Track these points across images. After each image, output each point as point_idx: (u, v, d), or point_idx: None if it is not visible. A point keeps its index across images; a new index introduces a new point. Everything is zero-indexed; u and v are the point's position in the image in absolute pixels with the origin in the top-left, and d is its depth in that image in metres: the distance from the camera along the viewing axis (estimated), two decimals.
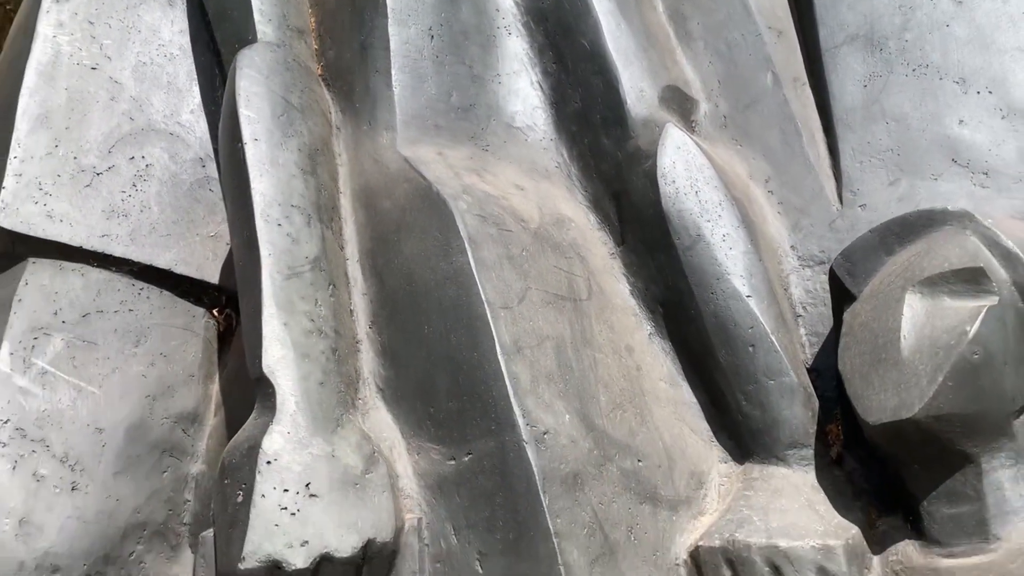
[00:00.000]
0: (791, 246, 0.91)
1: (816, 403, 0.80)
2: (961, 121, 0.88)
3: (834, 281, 0.82)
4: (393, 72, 0.97)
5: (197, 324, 0.99)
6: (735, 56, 1.03)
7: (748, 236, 0.85)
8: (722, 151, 0.98)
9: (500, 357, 0.71)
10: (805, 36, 1.01)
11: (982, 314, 0.67)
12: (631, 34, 1.00)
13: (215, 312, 1.01)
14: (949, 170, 0.87)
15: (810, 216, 0.92)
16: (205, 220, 1.02)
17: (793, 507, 0.74)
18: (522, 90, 1.03)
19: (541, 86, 1.03)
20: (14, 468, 0.84)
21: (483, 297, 0.75)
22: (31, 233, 0.95)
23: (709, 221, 0.85)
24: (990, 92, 0.88)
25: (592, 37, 0.99)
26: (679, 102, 0.98)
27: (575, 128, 0.99)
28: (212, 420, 0.96)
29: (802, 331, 0.87)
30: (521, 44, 1.05)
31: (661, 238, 0.87)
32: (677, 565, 0.73)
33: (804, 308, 0.88)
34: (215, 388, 0.98)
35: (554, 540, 0.65)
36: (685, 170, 0.88)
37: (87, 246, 0.96)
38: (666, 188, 0.87)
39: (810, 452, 0.78)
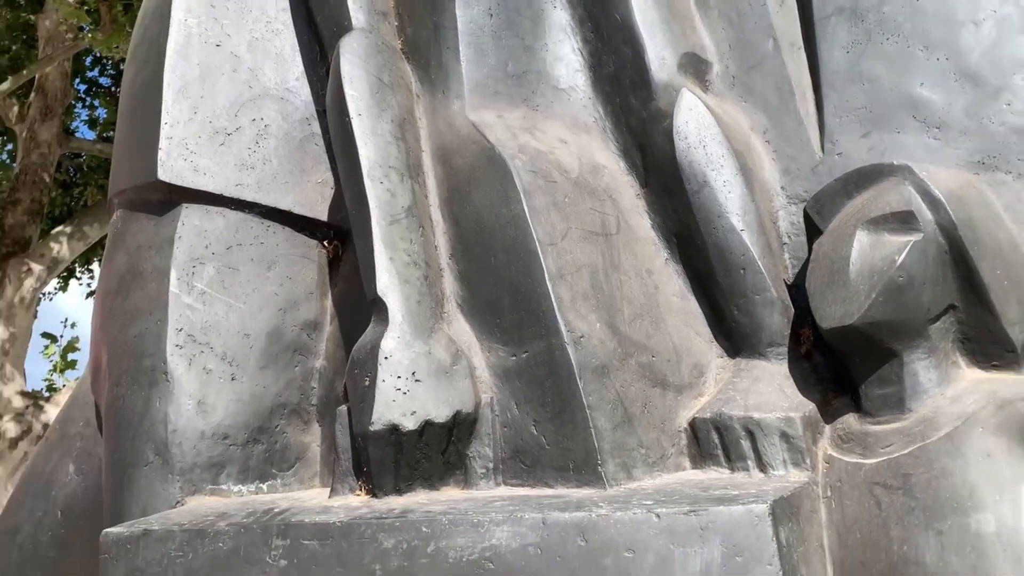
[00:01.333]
0: (781, 187, 1.13)
1: (791, 313, 1.03)
2: (922, 83, 1.07)
3: (807, 218, 1.04)
4: (461, 48, 1.20)
5: (312, 253, 1.26)
6: (743, 23, 1.23)
7: (744, 181, 1.08)
8: (729, 106, 1.19)
9: (548, 282, 0.96)
10: (802, 7, 1.20)
11: (908, 247, 0.90)
12: (656, 8, 1.20)
13: (325, 243, 1.28)
14: (909, 125, 1.07)
15: (797, 162, 1.13)
16: (314, 169, 1.28)
17: (767, 390, 0.98)
18: (565, 56, 1.25)
19: (581, 52, 1.25)
20: (190, 364, 1.13)
21: (535, 236, 0.99)
22: (183, 184, 1.22)
23: (713, 170, 1.08)
24: (947, 59, 1.06)
25: (623, 11, 1.19)
26: (695, 66, 1.19)
27: (609, 89, 1.21)
28: (328, 327, 1.24)
29: (786, 256, 1.10)
30: (564, 16, 1.26)
31: (676, 184, 1.10)
32: (679, 432, 0.99)
33: (789, 237, 1.11)
34: (329, 302, 1.25)
35: (587, 411, 0.92)
36: (696, 128, 1.09)
37: (226, 193, 1.23)
38: (680, 143, 1.09)
39: (784, 350, 1.02)
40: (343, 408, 0.99)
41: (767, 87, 1.18)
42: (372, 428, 0.91)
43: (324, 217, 1.26)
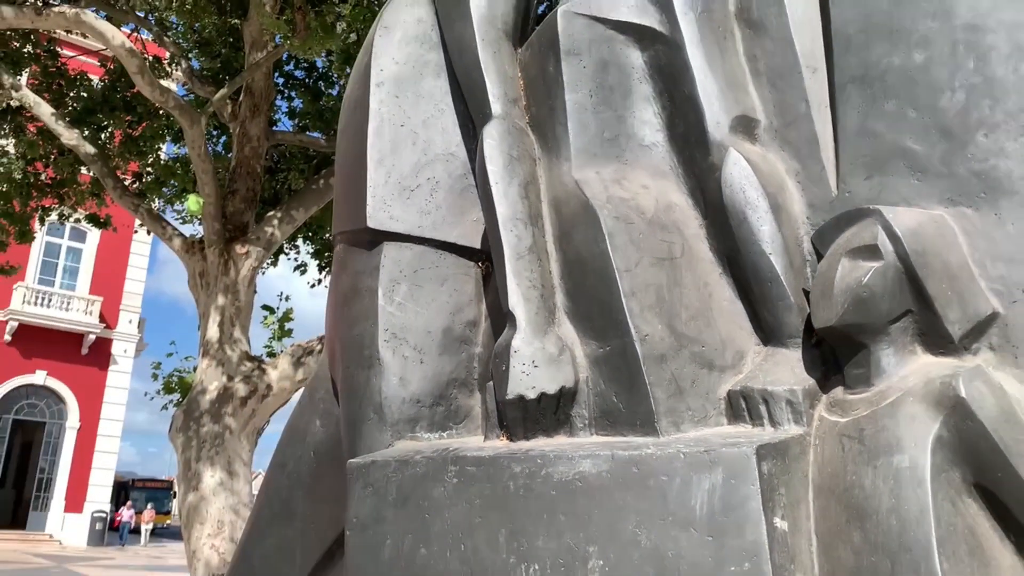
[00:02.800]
0: (807, 217, 1.50)
1: (806, 314, 1.42)
2: (910, 138, 1.41)
3: (813, 246, 1.43)
4: (568, 124, 1.65)
5: (472, 271, 1.77)
6: (784, 88, 1.59)
7: (773, 217, 1.46)
8: (771, 154, 1.57)
9: (623, 299, 1.41)
10: (828, 76, 1.56)
11: (871, 271, 1.27)
12: (715, 80, 1.59)
13: (480, 264, 1.78)
14: (900, 170, 1.41)
15: (819, 198, 1.50)
16: (470, 211, 1.78)
17: (782, 370, 1.39)
18: (648, 120, 1.67)
19: (660, 116, 1.66)
20: (393, 353, 1.68)
21: (614, 266, 1.44)
22: (383, 229, 1.76)
23: (750, 209, 1.47)
24: (929, 118, 1.40)
25: (690, 86, 1.59)
26: (745, 125, 1.57)
27: (680, 145, 1.62)
28: (483, 324, 1.75)
29: (809, 271, 1.48)
30: (647, 88, 1.67)
31: (724, 219, 1.50)
32: (720, 400, 1.42)
33: (811, 256, 1.49)
34: (483, 306, 1.76)
35: (648, 387, 1.37)
36: (738, 178, 1.49)
37: (412, 233, 1.75)
38: (726, 189, 1.49)
39: (799, 341, 1.41)
40: (490, 384, 1.50)
41: (800, 139, 1.55)
42: (507, 398, 1.41)
43: (478, 246, 1.77)
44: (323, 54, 9.23)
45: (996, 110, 1.33)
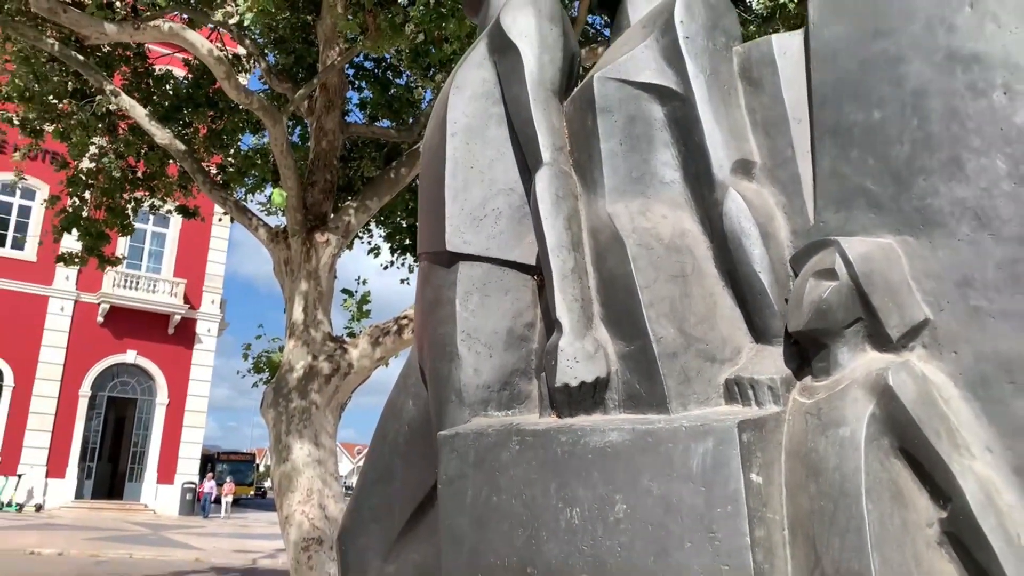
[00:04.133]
0: (790, 242, 1.90)
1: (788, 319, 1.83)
2: (869, 180, 1.79)
3: (791, 267, 1.83)
4: (603, 168, 2.07)
5: (529, 283, 2.21)
6: (775, 135, 1.98)
7: (763, 243, 1.87)
8: (765, 189, 1.96)
9: (643, 309, 1.84)
10: (810, 125, 1.95)
11: (828, 289, 1.68)
12: (719, 131, 1.99)
13: (535, 277, 2.23)
14: (862, 207, 1.79)
15: (799, 227, 1.90)
16: (527, 236, 2.21)
17: (767, 363, 1.80)
18: (668, 161, 2.08)
19: (676, 159, 2.07)
20: (468, 349, 2.14)
21: (636, 283, 1.87)
22: (458, 251, 2.21)
23: (745, 237, 1.88)
24: (884, 165, 1.77)
25: (699, 137, 1.99)
26: (743, 166, 1.97)
27: (692, 182, 2.03)
28: (539, 325, 2.20)
29: (791, 285, 1.88)
30: (666, 136, 2.09)
31: (724, 244, 1.92)
32: (719, 386, 1.84)
33: (792, 273, 1.89)
34: (538, 311, 2.20)
35: (662, 377, 1.79)
36: (735, 211, 1.89)
37: (481, 254, 2.20)
38: (725, 221, 1.90)
39: (781, 340, 1.82)
40: (543, 374, 1.95)
41: (786, 178, 1.94)
42: (556, 385, 1.86)
43: (533, 263, 2.21)
44: (392, 50, 9.72)
45: (932, 160, 1.71)
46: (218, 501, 32.56)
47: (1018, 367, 1.55)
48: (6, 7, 8.53)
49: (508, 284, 2.19)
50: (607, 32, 8.22)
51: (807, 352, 1.79)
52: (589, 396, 1.88)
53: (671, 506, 1.64)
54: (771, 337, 1.84)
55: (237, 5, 4.87)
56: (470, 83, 2.32)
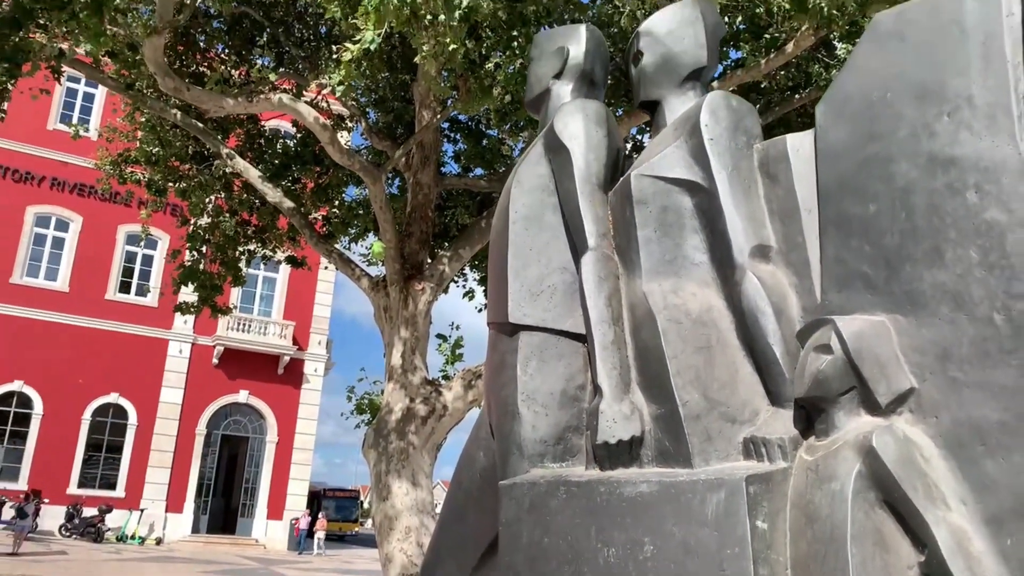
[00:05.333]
0: (800, 318, 2.19)
1: None
2: (866, 266, 2.07)
3: (798, 341, 2.12)
4: (640, 251, 2.40)
5: (580, 350, 2.54)
6: (788, 224, 2.27)
7: (776, 320, 2.16)
8: (779, 270, 2.26)
9: (671, 377, 2.16)
10: (818, 215, 2.23)
11: (825, 362, 1.96)
12: (740, 220, 2.30)
13: (585, 344, 2.58)
14: (860, 288, 2.06)
15: (808, 305, 2.18)
16: (578, 309, 2.56)
17: (779, 424, 2.08)
18: (697, 244, 2.39)
19: (704, 243, 2.38)
20: (528, 408, 2.50)
21: (666, 354, 2.19)
22: (519, 322, 2.58)
23: (760, 314, 2.17)
24: (879, 251, 2.05)
25: (723, 226, 2.30)
26: (761, 251, 2.26)
27: (718, 264, 2.34)
28: (589, 387, 2.53)
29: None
30: (695, 223, 2.40)
31: (743, 319, 2.22)
32: (739, 444, 2.13)
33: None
34: (588, 375, 2.55)
35: (687, 436, 2.09)
36: (752, 292, 2.19)
37: (538, 324, 2.55)
38: (744, 300, 2.20)
39: (792, 404, 2.11)
40: (587, 432, 2.29)
41: (798, 262, 2.23)
42: (597, 443, 2.20)
43: (584, 332, 2.56)
44: (482, 110, 10.30)
45: (917, 249, 1.98)
46: (312, 535, 33.34)
47: (987, 431, 1.79)
48: (136, 85, 9.51)
49: (562, 351, 2.53)
50: None
51: (810, 415, 2.07)
52: (626, 452, 2.20)
53: (690, 547, 1.94)
54: (783, 401, 2.12)
55: (331, 78, 5.42)
56: (528, 178, 2.70)
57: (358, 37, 4.77)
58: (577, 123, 2.59)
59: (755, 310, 2.16)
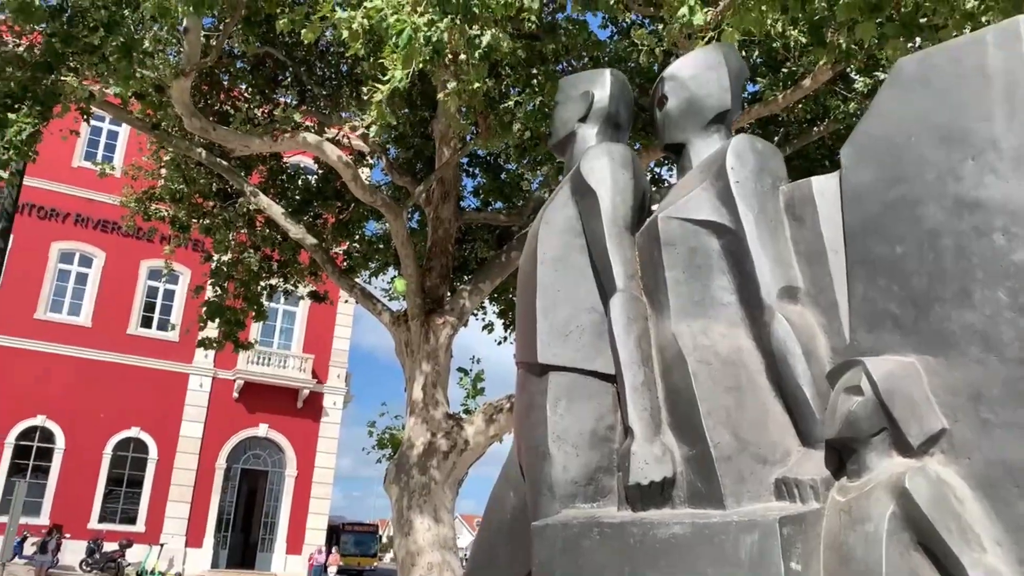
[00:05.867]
0: (830, 359, 2.21)
1: None
2: (895, 306, 2.09)
3: (828, 381, 2.13)
4: (668, 294, 2.43)
5: (610, 390, 2.55)
6: (815, 265, 2.30)
7: (805, 360, 2.18)
8: (807, 311, 2.28)
9: (702, 417, 2.18)
10: (845, 256, 2.26)
11: (856, 403, 1.98)
12: (767, 261, 2.32)
13: (615, 384, 2.60)
14: (889, 328, 2.09)
15: (838, 345, 2.20)
16: (606, 347, 2.59)
17: (811, 465, 2.09)
18: (725, 286, 2.42)
19: (732, 284, 2.41)
20: (559, 449, 2.52)
21: (696, 395, 2.21)
22: (548, 363, 2.62)
23: (790, 355, 2.19)
24: (906, 293, 2.08)
25: (750, 267, 2.34)
26: (789, 292, 2.29)
27: (746, 304, 2.37)
28: (618, 427, 2.55)
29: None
30: (723, 264, 2.43)
31: (772, 360, 2.24)
32: (770, 484, 2.14)
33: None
34: (618, 415, 2.57)
35: (719, 478, 2.10)
36: (781, 334, 2.22)
37: (567, 365, 2.58)
38: (773, 341, 2.22)
39: (823, 445, 2.12)
40: (619, 474, 2.31)
41: (826, 303, 2.26)
42: (629, 484, 2.21)
43: (613, 372, 2.58)
44: (502, 146, 10.40)
45: (945, 290, 2.00)
46: (325, 570, 32.94)
47: (1020, 472, 1.80)
48: (163, 125, 9.71)
49: (591, 391, 2.56)
50: None
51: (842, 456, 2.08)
52: (658, 493, 2.22)
53: None
54: (814, 442, 2.13)
55: (363, 119, 5.52)
56: (556, 220, 2.75)
57: (387, 76, 4.86)
58: (604, 166, 2.64)
59: (784, 351, 2.18)
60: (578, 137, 2.97)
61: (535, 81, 8.54)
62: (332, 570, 31.91)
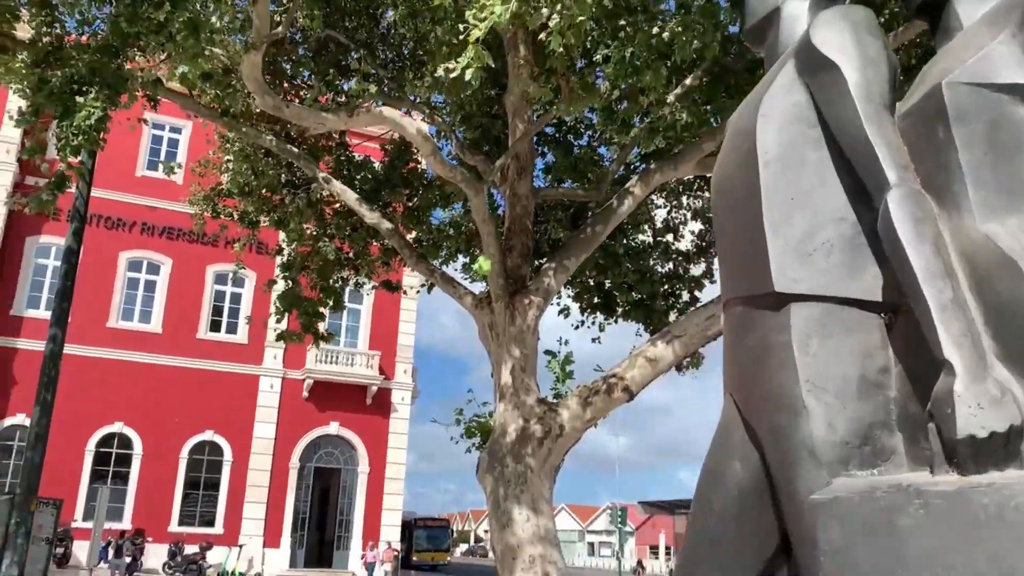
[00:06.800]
0: None
1: None
2: None
3: None
4: (967, 181, 1.81)
5: (874, 322, 1.90)
6: None
7: None
8: None
9: None
10: None
11: None
12: None
13: (881, 315, 1.97)
14: None
15: None
16: (868, 268, 1.96)
17: None
18: None
19: None
20: (816, 400, 1.89)
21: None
22: (788, 291, 2.00)
23: None
24: None
25: None
26: None
27: None
28: (893, 370, 1.93)
29: None
30: None
31: None
32: None
33: None
34: (890, 352, 1.94)
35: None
36: None
37: (814, 293, 1.96)
38: None
39: None
40: (932, 425, 1.68)
41: None
42: (959, 437, 1.59)
43: (879, 299, 1.96)
44: (586, 110, 9.78)
45: None
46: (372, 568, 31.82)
47: None
48: (231, 110, 9.32)
49: (851, 324, 1.94)
50: None
51: None
52: (1001, 447, 1.59)
53: None
54: None
55: (458, 63, 4.97)
56: (778, 109, 2.13)
57: (483, 14, 4.29)
58: (845, 33, 2.01)
59: None
60: (784, 15, 2.35)
61: (622, 34, 7.89)
62: (387, 567, 30.49)
